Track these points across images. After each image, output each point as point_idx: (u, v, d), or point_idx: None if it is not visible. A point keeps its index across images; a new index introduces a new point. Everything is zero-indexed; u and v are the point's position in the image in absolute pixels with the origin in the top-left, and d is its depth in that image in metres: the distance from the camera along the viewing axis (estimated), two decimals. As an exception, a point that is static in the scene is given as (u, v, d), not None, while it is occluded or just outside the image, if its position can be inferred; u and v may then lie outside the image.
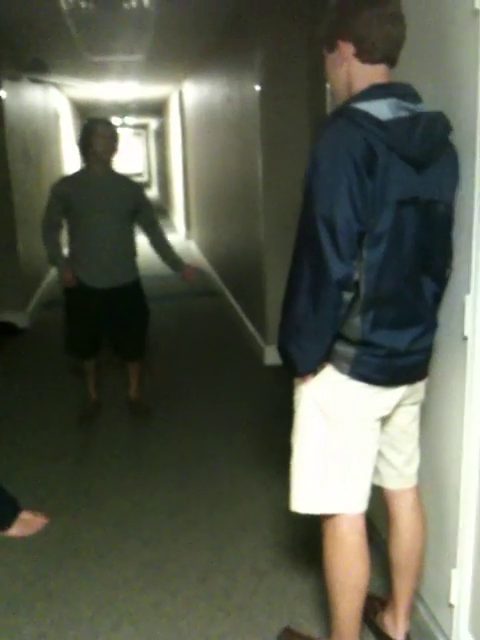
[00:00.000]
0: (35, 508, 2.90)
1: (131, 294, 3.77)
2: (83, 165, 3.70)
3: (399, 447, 1.95)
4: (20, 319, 6.01)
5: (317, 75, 3.55)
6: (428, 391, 1.97)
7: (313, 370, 1.75)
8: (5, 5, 4.71)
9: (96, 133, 3.54)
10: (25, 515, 2.83)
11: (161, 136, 17.03)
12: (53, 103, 9.51)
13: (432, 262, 1.75)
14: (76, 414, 3.99)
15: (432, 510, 2.07)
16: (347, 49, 1.68)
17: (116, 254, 3.66)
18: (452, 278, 1.88)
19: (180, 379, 4.66)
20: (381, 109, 1.60)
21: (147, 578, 2.50)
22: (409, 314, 1.73)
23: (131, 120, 19.29)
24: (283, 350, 1.74)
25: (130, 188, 3.75)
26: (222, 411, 4.04)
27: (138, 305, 3.84)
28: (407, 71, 1.89)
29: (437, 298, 1.81)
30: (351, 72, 1.71)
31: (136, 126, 23.10)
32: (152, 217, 3.86)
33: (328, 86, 3.00)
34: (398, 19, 1.66)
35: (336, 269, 1.59)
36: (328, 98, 3.25)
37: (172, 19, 5.31)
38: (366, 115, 1.59)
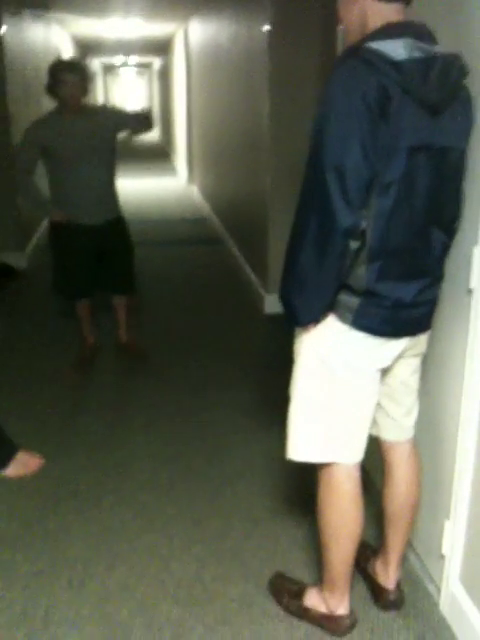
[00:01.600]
0: (33, 450, 2.92)
1: (118, 229, 3.81)
2: (55, 107, 3.61)
3: (398, 399, 1.94)
4: (18, 260, 5.96)
5: (330, 16, 3.43)
6: (430, 343, 1.95)
7: (315, 320, 1.72)
8: None
9: (63, 81, 3.44)
10: (22, 455, 2.85)
11: (165, 76, 16.64)
12: (55, 40, 9.25)
13: (443, 212, 1.70)
14: (74, 357, 3.98)
15: (428, 462, 2.08)
16: None
17: (103, 191, 3.69)
18: (460, 229, 1.84)
19: (179, 326, 4.65)
20: (396, 49, 1.53)
21: (143, 521, 2.52)
22: (416, 265, 1.69)
23: (134, 59, 18.83)
24: (285, 300, 1.71)
25: (104, 120, 3.69)
26: (221, 359, 4.04)
27: (124, 239, 3.87)
28: (423, 10, 1.81)
29: (445, 249, 1.77)
30: (365, 10, 1.63)
31: (139, 65, 22.56)
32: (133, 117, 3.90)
33: (340, 28, 2.90)
34: None
35: (343, 217, 1.55)
36: (339, 40, 3.13)
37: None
38: (380, 55, 1.52)
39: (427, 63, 1.55)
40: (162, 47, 14.56)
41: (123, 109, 3.82)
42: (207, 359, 4.04)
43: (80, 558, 2.32)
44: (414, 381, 1.95)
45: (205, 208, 8.89)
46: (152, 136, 22.19)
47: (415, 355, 1.90)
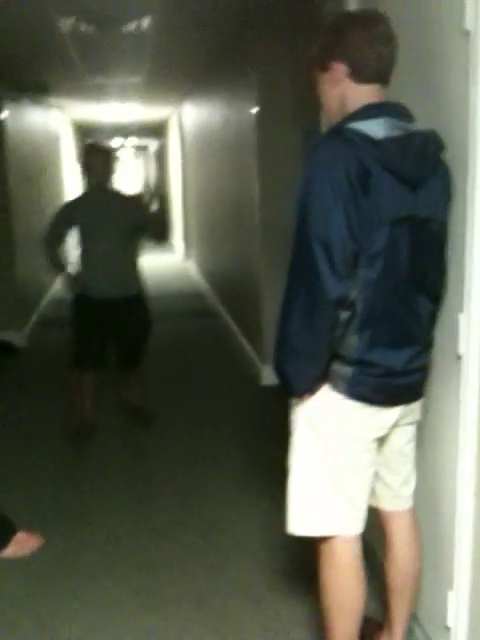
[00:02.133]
0: (29, 529, 2.87)
1: (135, 305, 3.95)
2: (87, 187, 3.99)
3: (395, 468, 1.93)
4: (18, 338, 6.00)
5: (312, 97, 3.58)
6: (423, 410, 1.95)
7: (310, 390, 1.73)
8: (6, 28, 4.75)
9: (92, 159, 3.80)
10: (20, 536, 2.81)
11: (161, 157, 17.13)
12: (54, 124, 9.57)
13: (427, 280, 1.74)
14: (69, 434, 3.97)
15: (428, 531, 2.05)
16: (340, 70, 1.70)
17: (119, 268, 3.87)
18: (445, 297, 1.87)
19: (175, 399, 4.64)
20: (375, 128, 1.61)
21: (140, 602, 2.46)
22: (405, 333, 1.72)
23: (131, 141, 19.43)
24: (279, 370, 1.73)
25: (129, 206, 3.97)
26: (218, 432, 4.01)
27: (140, 316, 4.00)
28: (399, 90, 1.90)
29: (433, 317, 1.81)
30: (344, 92, 1.72)
31: (136, 147, 23.25)
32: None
33: (322, 112, 3.02)
34: (389, 39, 1.67)
35: (332, 288, 1.58)
36: (323, 123, 3.26)
37: (171, 42, 5.36)
38: (360, 134, 1.59)
39: (405, 140, 1.62)
40: (158, 129, 15.05)
41: (146, 209, 4.23)
42: (204, 431, 4.01)
43: (76, 642, 2.26)
44: (410, 449, 1.94)
45: (202, 283, 9.00)
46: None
47: (410, 423, 1.90)
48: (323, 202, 1.57)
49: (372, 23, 1.67)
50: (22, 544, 2.79)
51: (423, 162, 1.66)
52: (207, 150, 7.52)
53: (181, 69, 6.89)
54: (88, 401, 4.01)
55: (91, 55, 5.74)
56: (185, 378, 5.11)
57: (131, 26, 4.71)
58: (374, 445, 1.80)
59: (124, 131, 15.07)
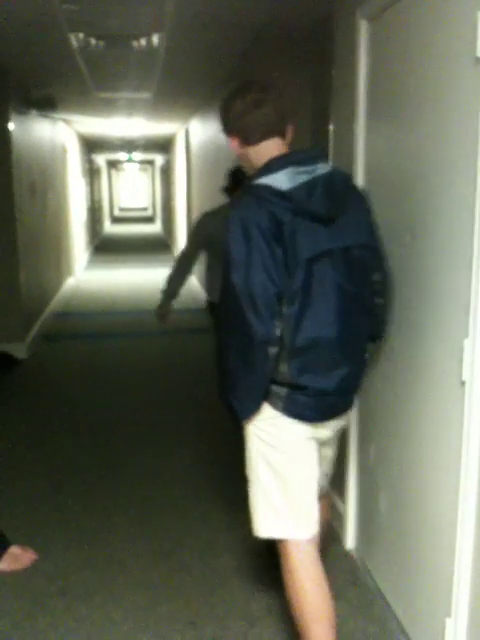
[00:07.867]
0: (25, 544, 2.85)
1: None
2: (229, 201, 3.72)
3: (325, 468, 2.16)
4: (18, 350, 5.99)
5: (320, 116, 3.60)
6: (425, 437, 1.95)
7: (254, 412, 1.90)
8: (16, 41, 4.79)
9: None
10: (14, 550, 2.78)
11: (167, 172, 17.22)
12: (61, 137, 9.63)
13: (361, 301, 1.92)
14: (83, 446, 3.97)
15: (427, 558, 2.03)
16: (235, 140, 1.96)
17: None
18: (450, 322, 1.87)
19: (173, 417, 4.61)
20: (281, 180, 1.80)
21: (136, 621, 2.44)
22: (335, 357, 1.88)
23: (138, 156, 19.55)
24: (224, 401, 1.93)
25: None
26: (213, 451, 3.99)
27: None
28: (411, 120, 1.91)
29: (372, 336, 2.04)
30: (248, 155, 1.96)
31: (142, 162, 23.39)
32: None
33: (331, 128, 3.05)
34: (261, 102, 1.89)
35: (258, 330, 1.76)
36: (332, 138, 3.28)
37: (180, 59, 5.40)
38: (268, 189, 1.78)
39: (310, 184, 1.80)
40: (164, 145, 15.15)
41: None
42: (201, 451, 3.99)
43: (69, 661, 2.23)
44: (333, 453, 2.17)
45: (203, 299, 9.00)
46: (154, 229, 22.71)
47: (337, 430, 2.09)
48: (242, 256, 1.76)
49: (245, 92, 1.90)
50: (16, 559, 2.76)
51: (331, 199, 1.82)
52: (212, 167, 7.55)
53: (190, 86, 6.94)
54: None
55: (100, 70, 5.78)
56: (185, 394, 5.08)
57: (141, 43, 4.75)
58: (313, 443, 1.96)
59: (131, 145, 15.17)
